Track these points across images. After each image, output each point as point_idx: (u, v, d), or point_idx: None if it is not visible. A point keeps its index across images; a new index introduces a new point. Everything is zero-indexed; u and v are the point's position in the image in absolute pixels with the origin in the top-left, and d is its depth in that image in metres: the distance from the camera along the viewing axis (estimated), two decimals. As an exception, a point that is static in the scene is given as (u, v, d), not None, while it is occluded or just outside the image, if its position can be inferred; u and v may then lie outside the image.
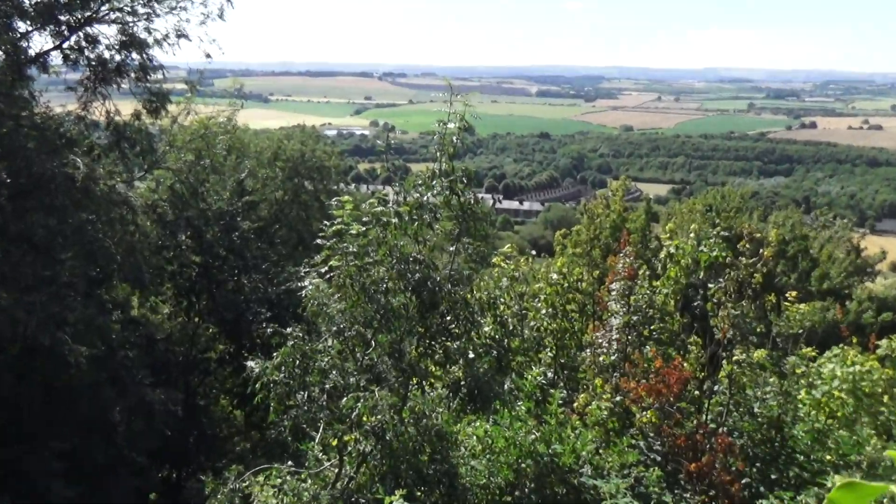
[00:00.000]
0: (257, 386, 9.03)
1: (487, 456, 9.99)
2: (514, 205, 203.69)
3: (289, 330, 9.43)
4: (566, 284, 15.39)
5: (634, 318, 12.90)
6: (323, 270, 9.94)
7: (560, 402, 10.82)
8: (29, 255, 14.80)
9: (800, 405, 13.46)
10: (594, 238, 20.03)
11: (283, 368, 9.07)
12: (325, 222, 9.78)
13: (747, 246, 12.38)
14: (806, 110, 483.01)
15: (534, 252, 16.55)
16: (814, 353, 13.97)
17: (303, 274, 10.30)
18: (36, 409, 15.51)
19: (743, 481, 11.43)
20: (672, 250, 13.40)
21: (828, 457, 12.06)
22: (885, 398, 13.37)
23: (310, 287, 9.71)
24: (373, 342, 9.77)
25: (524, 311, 15.23)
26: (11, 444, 15.05)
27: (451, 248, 10.55)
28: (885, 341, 14.35)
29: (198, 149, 23.95)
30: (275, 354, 9.17)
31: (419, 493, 9.15)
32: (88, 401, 15.88)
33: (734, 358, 12.33)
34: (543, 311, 15.18)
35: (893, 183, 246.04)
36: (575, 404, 12.87)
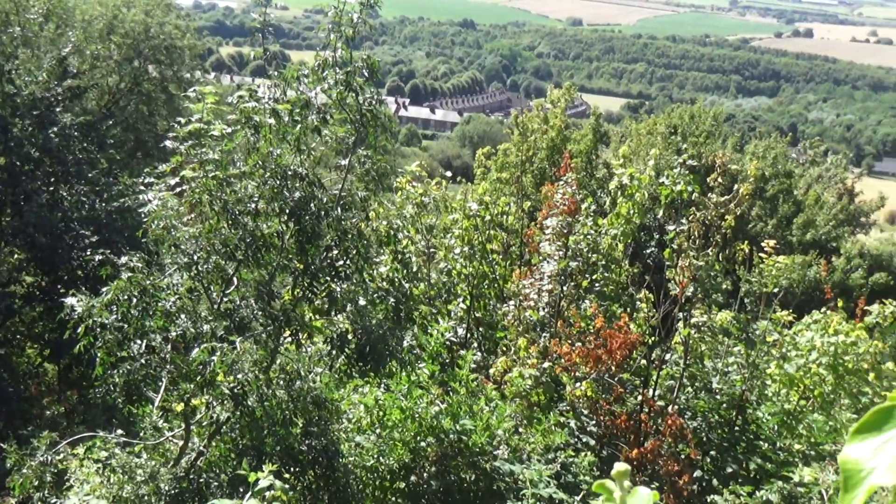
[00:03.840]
0: (79, 331, 8.89)
1: (377, 431, 10.15)
2: (424, 112, 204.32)
3: (123, 259, 9.25)
4: (488, 217, 15.57)
5: (572, 264, 13.18)
6: (172, 183, 9.76)
7: (472, 366, 11.03)
8: None
9: (768, 381, 14.09)
10: (527, 160, 20.31)
11: (114, 308, 8.91)
12: (179, 119, 9.58)
13: (719, 180, 12.74)
14: (802, 13, 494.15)
15: (448, 174, 16.62)
16: (790, 319, 14.51)
17: (143, 187, 10.15)
18: None
19: (694, 473, 11.95)
20: (625, 181, 13.66)
21: (797, 445, 12.70)
22: (871, 376, 14.05)
23: (154, 203, 9.55)
24: (235, 279, 9.72)
25: (432, 250, 15.36)
26: None
27: (343, 162, 10.57)
28: (875, 307, 15.00)
29: (3, 11, 23.05)
30: (104, 290, 9.02)
31: (288, 475, 9.25)
32: None
33: (692, 320, 12.77)
34: (457, 250, 15.35)
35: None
36: (492, 370, 13.13)
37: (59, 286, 19.88)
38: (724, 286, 13.35)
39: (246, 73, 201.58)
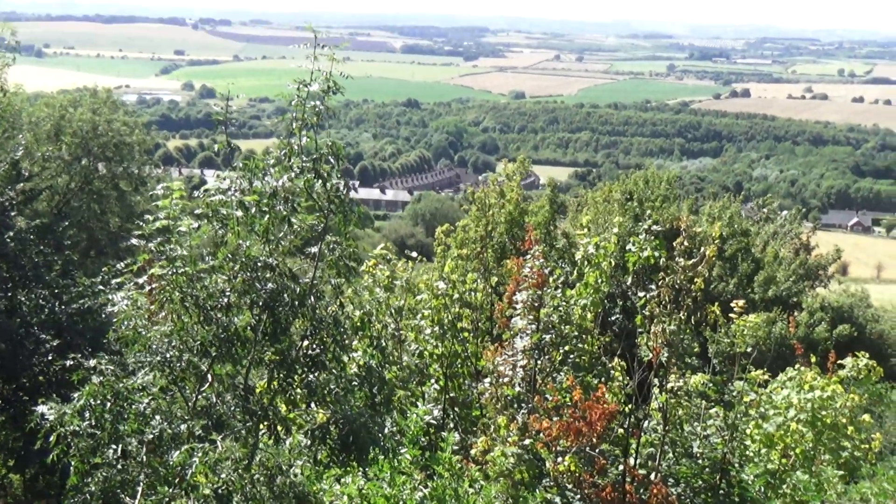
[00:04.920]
0: (51, 439, 8.65)
1: (363, 522, 9.92)
2: (375, 193, 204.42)
3: (93, 362, 9.08)
4: (456, 295, 15.50)
5: (546, 337, 13.08)
6: (140, 281, 9.71)
7: (454, 448, 10.87)
8: None
9: (749, 442, 14.03)
10: (486, 235, 20.30)
11: (87, 414, 8.73)
12: (148, 216, 9.52)
13: (685, 244, 12.77)
14: (737, 74, 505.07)
15: (414, 255, 16.55)
16: (765, 377, 14.52)
17: (102, 287, 10.01)
18: None
19: (683, 541, 11.82)
20: (591, 250, 13.64)
21: (784, 504, 12.59)
22: (850, 429, 14.07)
23: (123, 303, 9.42)
24: (209, 376, 9.60)
25: (401, 332, 15.25)
26: None
27: (314, 250, 10.51)
28: (849, 360, 15.05)
29: (-50, 118, 22.83)
30: (75, 396, 8.81)
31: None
32: None
33: (668, 385, 12.72)
34: (428, 331, 15.26)
35: (841, 165, 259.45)
36: (473, 450, 12.97)
37: (21, 394, 19.42)
38: (695, 349, 13.30)
39: (194, 165, 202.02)
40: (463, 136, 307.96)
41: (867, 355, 15.21)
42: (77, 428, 8.70)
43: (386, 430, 11.29)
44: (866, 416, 14.69)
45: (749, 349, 13.61)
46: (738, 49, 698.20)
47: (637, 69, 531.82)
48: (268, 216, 9.90)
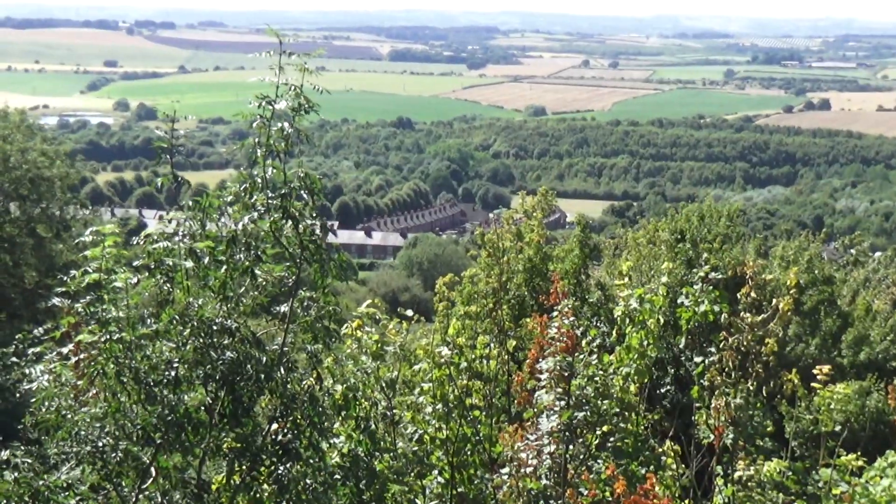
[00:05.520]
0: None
1: None
2: (358, 237, 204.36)
3: (5, 454, 9.00)
4: (463, 364, 15.39)
5: (578, 415, 12.95)
6: (65, 351, 9.66)
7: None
8: None
9: (839, 544, 13.85)
10: (500, 288, 20.13)
11: (-1, 519, 8.65)
12: (73, 270, 9.53)
13: (752, 295, 12.71)
14: (813, 81, 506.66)
15: (409, 313, 16.35)
16: (859, 464, 14.34)
17: (14, 360, 10.01)
18: None
19: None
20: (634, 304, 13.56)
21: None
22: (968, 529, 13.89)
23: (43, 379, 9.39)
24: (153, 469, 9.51)
25: (394, 411, 15.07)
26: None
27: (283, 309, 10.41)
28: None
29: None
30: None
31: None
32: None
33: (735, 475, 12.63)
34: (428, 410, 15.12)
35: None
36: (488, 562, 12.83)
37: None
38: (768, 428, 13.21)
39: (131, 205, 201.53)
40: (468, 164, 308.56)
41: None
42: (-13, 537, 8.60)
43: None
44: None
45: (838, 428, 13.48)
46: (813, 50, 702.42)
47: (686, 76, 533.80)
48: (225, 267, 9.78)
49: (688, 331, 13.13)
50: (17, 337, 10.09)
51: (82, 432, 9.24)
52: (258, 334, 10.07)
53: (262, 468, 10.10)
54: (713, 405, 12.61)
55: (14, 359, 10.11)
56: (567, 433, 12.86)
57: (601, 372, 13.28)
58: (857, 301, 39.21)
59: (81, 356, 9.58)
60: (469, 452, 15.35)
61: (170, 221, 10.14)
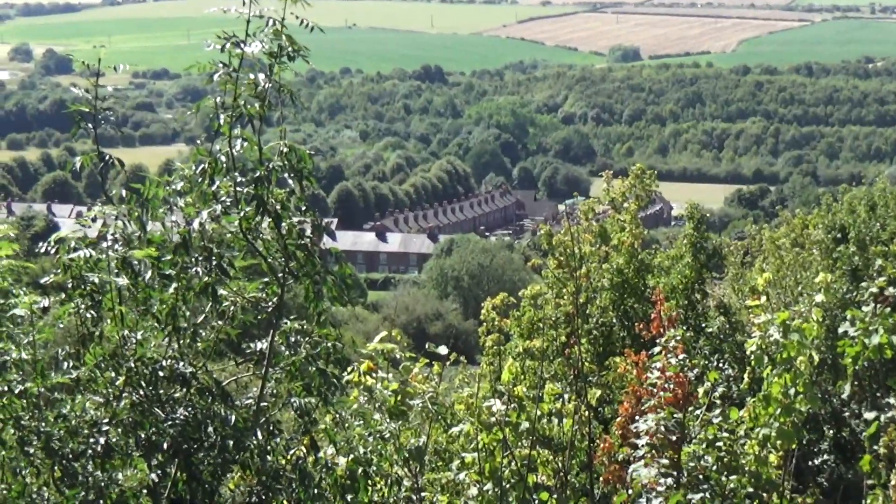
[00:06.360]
0: None
1: None
2: (367, 240, 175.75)
3: None
4: (524, 424, 12.88)
5: (694, 498, 10.84)
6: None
7: None
8: None
9: None
10: (577, 313, 17.43)
11: None
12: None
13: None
14: None
15: (444, 350, 13.48)
16: None
17: None
18: None
19: None
20: (775, 335, 11.23)
21: None
22: None
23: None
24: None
25: (423, 496, 12.77)
26: None
27: (261, 346, 8.82)
28: None
29: None
30: None
31: None
32: None
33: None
34: (473, 492, 12.74)
35: None
36: None
37: None
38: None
39: (36, 196, 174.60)
40: (527, 133, 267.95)
41: None
42: None
43: None
44: None
45: None
46: None
47: (845, 2, 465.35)
48: (175, 286, 8.37)
49: (854, 374, 11.21)
50: None
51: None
52: (224, 383, 8.88)
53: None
54: (892, 484, 10.77)
55: None
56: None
57: (726, 435, 11.43)
58: None
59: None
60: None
61: (93, 220, 8.85)
